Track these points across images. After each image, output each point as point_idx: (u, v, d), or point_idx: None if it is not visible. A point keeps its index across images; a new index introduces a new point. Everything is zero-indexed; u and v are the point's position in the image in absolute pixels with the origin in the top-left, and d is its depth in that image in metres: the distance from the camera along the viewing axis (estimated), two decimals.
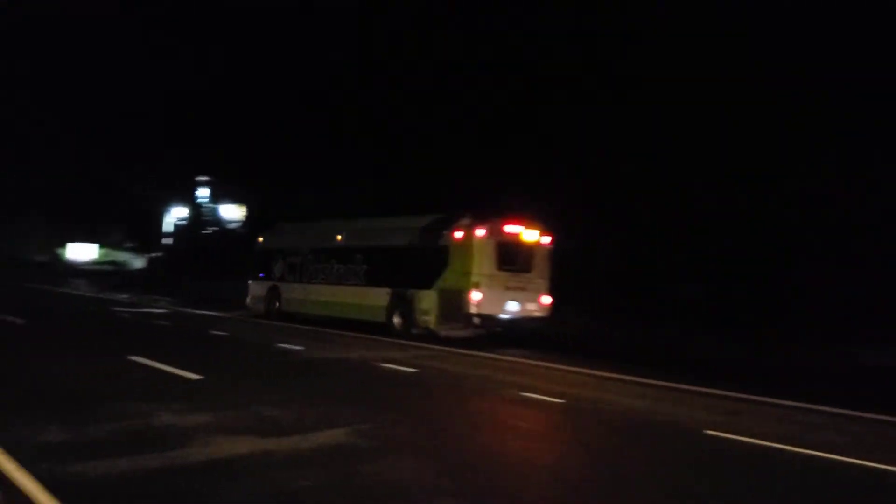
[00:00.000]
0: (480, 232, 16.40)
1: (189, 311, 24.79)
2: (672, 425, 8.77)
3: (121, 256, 46.24)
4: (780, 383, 12.31)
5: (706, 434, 8.16)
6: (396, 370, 12.10)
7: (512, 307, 16.79)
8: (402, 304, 17.67)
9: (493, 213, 17.45)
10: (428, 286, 16.99)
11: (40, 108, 58.56)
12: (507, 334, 17.00)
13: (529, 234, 17.43)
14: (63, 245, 59.04)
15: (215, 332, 17.47)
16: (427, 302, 16.96)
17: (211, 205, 43.83)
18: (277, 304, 22.02)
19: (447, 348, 15.53)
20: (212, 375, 10.65)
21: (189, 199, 44.23)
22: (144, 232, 42.39)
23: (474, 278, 16.15)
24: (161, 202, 42.01)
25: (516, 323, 17.00)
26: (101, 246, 41.08)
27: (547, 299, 17.65)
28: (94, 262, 47.11)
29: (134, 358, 11.97)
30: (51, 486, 5.22)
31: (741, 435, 8.07)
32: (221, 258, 36.50)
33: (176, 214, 44.81)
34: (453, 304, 16.39)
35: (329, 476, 5.90)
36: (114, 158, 45.06)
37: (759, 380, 12.69)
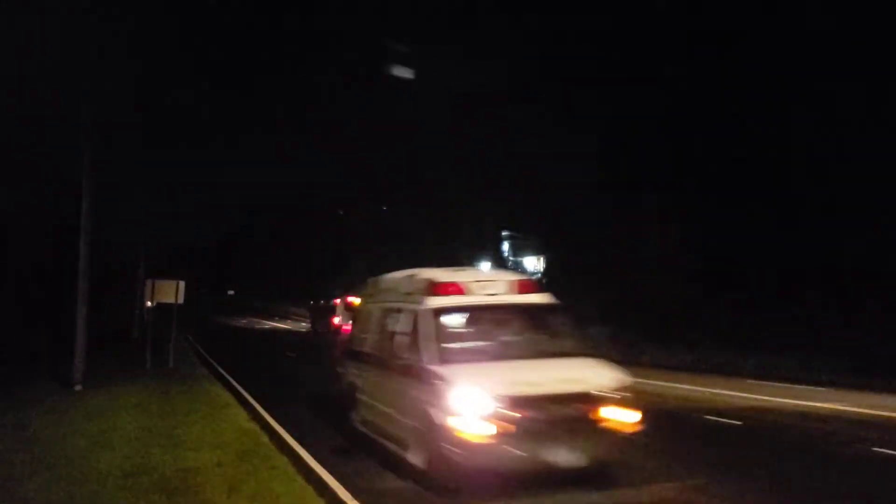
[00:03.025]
0: (337, 300, 37.28)
1: None
2: None
3: None
4: None
5: None
6: None
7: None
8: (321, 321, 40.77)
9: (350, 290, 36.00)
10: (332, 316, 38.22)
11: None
12: None
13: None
14: None
15: None
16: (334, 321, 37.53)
17: (514, 258, 45.10)
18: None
19: None
20: None
21: (493, 253, 46.01)
22: None
23: (336, 314, 35.86)
24: (471, 258, 44.49)
25: None
26: None
27: None
28: None
29: None
30: None
31: None
32: None
33: (483, 268, 46.87)
34: (331, 322, 36.82)
35: None
36: (420, 214, 47.68)
37: None
